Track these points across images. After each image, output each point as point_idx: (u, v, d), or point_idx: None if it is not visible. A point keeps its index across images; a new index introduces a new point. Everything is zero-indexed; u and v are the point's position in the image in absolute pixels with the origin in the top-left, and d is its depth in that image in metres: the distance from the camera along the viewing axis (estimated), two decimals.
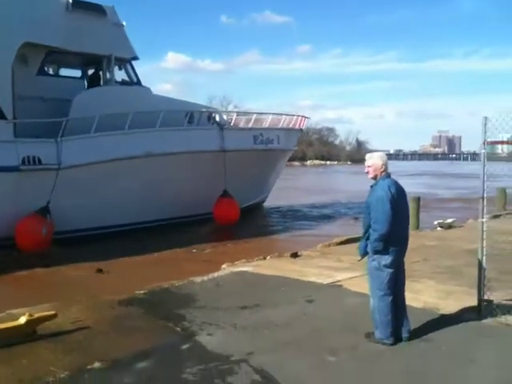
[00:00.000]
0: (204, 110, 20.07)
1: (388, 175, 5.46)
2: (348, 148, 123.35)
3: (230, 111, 20.63)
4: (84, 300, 7.25)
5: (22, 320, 5.60)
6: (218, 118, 19.18)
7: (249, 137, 19.13)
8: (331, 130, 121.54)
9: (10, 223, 12.78)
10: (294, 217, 22.08)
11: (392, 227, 5.19)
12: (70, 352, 5.33)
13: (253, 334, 5.81)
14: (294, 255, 10.12)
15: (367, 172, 5.49)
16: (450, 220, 14.45)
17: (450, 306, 6.65)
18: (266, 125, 20.35)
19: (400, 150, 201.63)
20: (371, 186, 5.49)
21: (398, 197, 5.34)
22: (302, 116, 22.89)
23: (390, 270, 5.37)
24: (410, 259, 9.56)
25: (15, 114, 13.86)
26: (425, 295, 7.22)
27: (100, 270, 11.37)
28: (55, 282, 10.85)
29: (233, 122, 19.99)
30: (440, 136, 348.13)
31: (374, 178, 5.45)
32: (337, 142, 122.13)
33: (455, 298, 7.01)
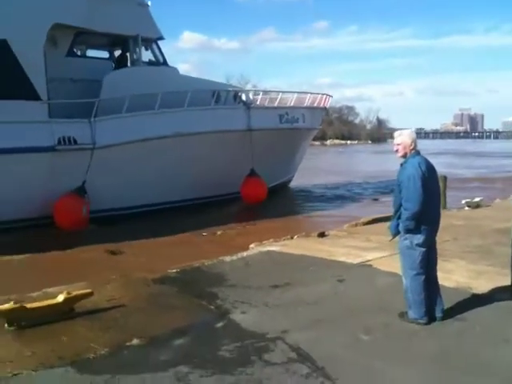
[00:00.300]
0: (230, 89, 20.06)
1: (417, 152, 5.40)
2: (368, 127, 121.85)
3: (255, 90, 20.76)
4: (118, 278, 7.38)
5: (60, 298, 5.73)
6: (244, 98, 19.15)
7: (275, 116, 19.08)
8: (351, 109, 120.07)
9: (46, 202, 13.05)
10: (315, 197, 22.12)
11: (423, 205, 5.14)
12: (107, 329, 5.44)
13: (286, 312, 5.86)
14: (321, 235, 10.13)
15: (396, 150, 5.43)
16: (477, 199, 14.30)
17: (482, 286, 6.61)
18: (290, 104, 20.22)
19: (421, 129, 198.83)
20: (401, 164, 5.43)
21: (429, 174, 5.28)
22: (326, 94, 22.68)
23: (423, 249, 5.33)
24: (439, 238, 9.42)
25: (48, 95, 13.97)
26: (456, 275, 7.18)
27: (113, 252, 11.45)
28: (88, 260, 11.03)
29: (258, 101, 20.00)
30: (462, 114, 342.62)
31: (404, 156, 5.39)
32: (357, 120, 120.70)
33: (487, 278, 6.96)
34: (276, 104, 19.91)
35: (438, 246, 8.96)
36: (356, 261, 8.05)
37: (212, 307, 6.13)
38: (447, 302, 5.85)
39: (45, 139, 13.36)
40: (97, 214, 13.95)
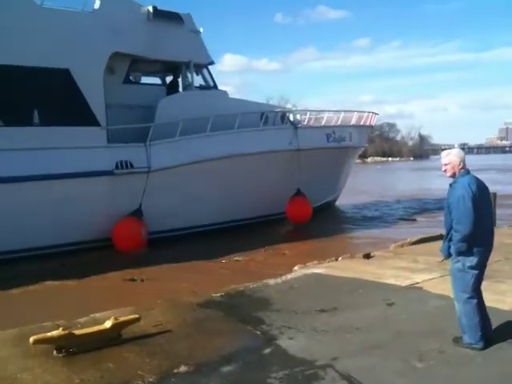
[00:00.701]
0: (278, 110, 20.31)
1: (467, 172, 5.24)
2: (410, 143, 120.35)
3: (302, 110, 21.63)
4: (164, 303, 7.36)
5: (108, 324, 5.73)
6: (291, 118, 19.31)
7: (322, 135, 19.33)
8: (392, 126, 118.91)
9: (105, 225, 13.60)
10: (350, 218, 21.82)
11: (475, 227, 4.96)
12: (154, 355, 5.40)
13: (335, 338, 5.71)
14: (367, 256, 9.91)
15: (445, 170, 5.29)
16: None
17: None
18: (336, 122, 20.37)
19: (465, 144, 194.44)
20: (450, 185, 5.28)
21: (480, 194, 5.11)
22: (372, 112, 22.77)
23: (475, 272, 5.16)
24: (490, 258, 9.23)
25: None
26: (510, 296, 6.87)
27: (133, 279, 11.43)
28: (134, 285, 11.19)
29: (306, 120, 20.33)
30: (507, 128, 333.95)
31: (453, 175, 5.24)
32: (398, 137, 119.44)
33: None
34: (323, 123, 20.17)
35: (489, 266, 8.65)
36: (405, 283, 7.82)
37: (258, 332, 6.03)
38: (503, 325, 5.62)
39: (104, 164, 13.92)
40: (152, 235, 14.36)
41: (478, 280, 5.23)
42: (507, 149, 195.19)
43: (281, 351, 5.43)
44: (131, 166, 14.36)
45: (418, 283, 7.73)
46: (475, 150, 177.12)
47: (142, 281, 11.36)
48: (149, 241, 14.22)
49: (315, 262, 9.81)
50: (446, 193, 5.34)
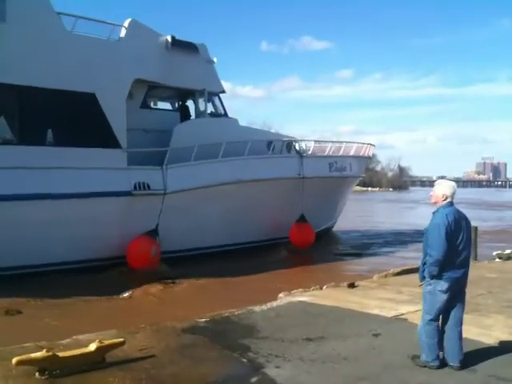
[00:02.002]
0: (285, 139, 21.13)
1: (449, 204, 5.58)
2: (390, 174, 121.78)
3: (307, 140, 22.28)
4: (148, 327, 7.24)
5: (92, 347, 5.61)
6: (297, 147, 20.37)
7: (325, 164, 20.27)
8: (373, 156, 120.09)
9: (121, 243, 13.99)
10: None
11: (447, 254, 5.32)
12: (139, 381, 5.29)
13: (323, 368, 5.66)
14: (352, 285, 9.92)
15: (431, 196, 5.69)
16: (508, 251, 14.00)
17: None
18: (330, 153, 21.23)
19: (443, 177, 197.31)
20: (433, 213, 5.64)
21: (456, 225, 5.45)
22: (369, 144, 23.81)
23: (444, 296, 5.46)
24: (473, 292, 9.30)
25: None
26: (496, 331, 6.92)
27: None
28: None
29: (311, 150, 20.91)
30: (484, 163, 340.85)
31: (435, 203, 5.64)
32: (378, 168, 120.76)
33: None
34: (326, 153, 21.11)
35: (473, 300, 8.81)
36: (390, 314, 7.83)
37: (245, 360, 5.95)
38: (487, 359, 5.69)
39: (123, 184, 14.46)
40: (167, 254, 14.88)
41: (446, 305, 5.51)
42: (484, 183, 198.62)
43: (268, 380, 5.36)
44: (148, 187, 14.93)
45: (403, 314, 7.75)
46: None
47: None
48: (164, 259, 14.76)
49: (300, 289, 9.77)
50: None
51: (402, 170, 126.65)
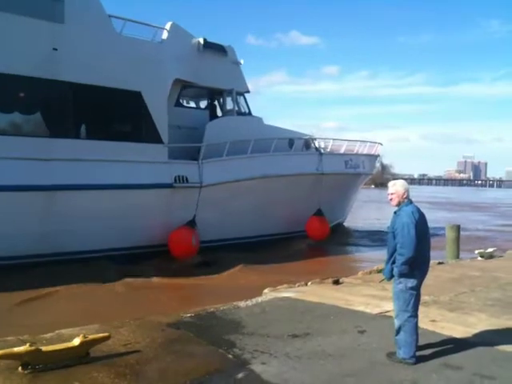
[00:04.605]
0: (307, 137, 22.30)
1: (410, 201, 5.76)
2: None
3: (326, 138, 23.88)
4: (132, 321, 7.17)
5: (76, 341, 5.53)
6: (317, 144, 21.63)
7: (341, 161, 21.70)
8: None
9: (163, 232, 15.03)
10: None
11: (417, 251, 5.47)
12: (124, 376, 5.23)
13: (308, 365, 5.65)
14: (336, 282, 9.93)
15: (390, 199, 5.81)
16: (490, 249, 14.12)
17: (508, 342, 6.40)
18: (342, 151, 22.59)
19: (424, 175, 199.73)
20: (395, 212, 5.78)
21: (421, 222, 5.64)
22: (378, 143, 25.12)
23: (415, 292, 5.65)
24: (455, 290, 9.44)
25: None
26: (479, 329, 6.97)
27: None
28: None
29: (329, 148, 22.43)
30: (465, 162, 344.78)
31: (398, 204, 5.76)
32: None
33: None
34: (343, 151, 22.56)
35: (456, 298, 8.92)
36: (375, 311, 7.85)
37: (230, 356, 5.92)
38: (475, 358, 5.71)
39: (165, 177, 15.57)
40: (203, 244, 15.75)
41: (417, 300, 5.71)
42: (464, 182, 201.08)
43: (254, 376, 5.34)
44: (186, 180, 16.01)
45: (387, 311, 7.75)
46: (434, 182, 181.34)
47: None
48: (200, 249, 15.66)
49: (285, 285, 9.77)
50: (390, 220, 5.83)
51: (384, 167, 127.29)
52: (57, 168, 13.29)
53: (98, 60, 14.29)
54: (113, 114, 15.11)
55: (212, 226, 16.22)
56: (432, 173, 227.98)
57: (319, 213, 19.38)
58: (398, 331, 5.70)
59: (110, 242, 14.27)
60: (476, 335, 6.69)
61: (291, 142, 20.08)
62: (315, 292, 9.16)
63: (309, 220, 19.20)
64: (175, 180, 15.73)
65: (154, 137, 15.47)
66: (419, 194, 62.52)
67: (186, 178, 15.97)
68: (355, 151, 22.94)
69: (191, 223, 15.55)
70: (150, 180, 15.10)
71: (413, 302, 5.62)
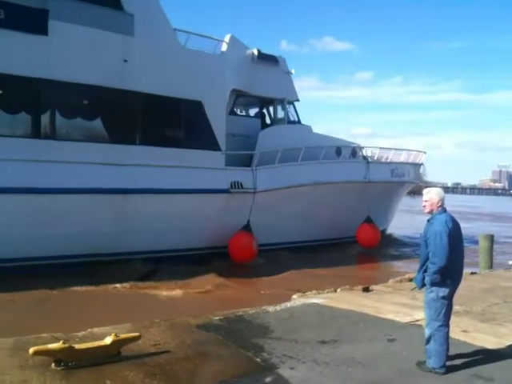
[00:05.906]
0: (354, 145, 22.55)
1: (444, 210, 5.69)
2: None
3: (372, 147, 24.32)
4: (162, 322, 7.27)
5: (108, 340, 5.65)
6: (364, 153, 21.95)
7: (387, 170, 22.02)
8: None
9: (221, 235, 15.63)
10: None
11: (449, 260, 5.41)
12: (154, 376, 5.31)
13: (336, 371, 5.63)
14: (366, 289, 9.87)
15: (424, 206, 5.75)
16: None
17: None
18: (387, 159, 22.98)
19: (458, 183, 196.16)
20: (428, 220, 5.71)
21: (455, 231, 5.58)
22: (422, 152, 25.24)
23: (446, 302, 5.59)
24: (488, 300, 9.27)
25: None
26: (511, 340, 6.83)
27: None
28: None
29: (376, 156, 22.75)
30: (500, 171, 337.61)
31: (430, 212, 5.70)
32: None
33: None
34: (389, 159, 23.00)
35: (488, 309, 8.76)
36: (405, 319, 7.77)
37: (258, 360, 5.95)
38: (504, 369, 5.62)
39: (222, 183, 16.21)
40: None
41: (449, 309, 5.64)
42: (499, 191, 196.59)
43: (282, 381, 5.35)
44: (241, 186, 16.58)
45: (418, 320, 7.67)
46: (468, 191, 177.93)
47: None
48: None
49: (314, 291, 9.75)
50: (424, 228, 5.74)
51: None
52: (130, 173, 14.12)
53: (164, 71, 15.05)
54: (176, 122, 15.85)
55: (264, 230, 16.56)
56: (466, 181, 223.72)
57: (369, 220, 19.55)
58: (428, 340, 5.64)
59: (172, 244, 14.88)
60: (508, 346, 6.57)
61: (339, 150, 20.51)
62: (344, 299, 9.12)
63: (360, 227, 19.39)
64: (231, 186, 16.35)
65: (213, 144, 16.14)
66: (448, 202, 61.24)
67: (241, 184, 16.57)
68: (400, 160, 23.25)
69: (247, 227, 16.02)
70: (209, 185, 15.79)
71: (444, 312, 5.56)
